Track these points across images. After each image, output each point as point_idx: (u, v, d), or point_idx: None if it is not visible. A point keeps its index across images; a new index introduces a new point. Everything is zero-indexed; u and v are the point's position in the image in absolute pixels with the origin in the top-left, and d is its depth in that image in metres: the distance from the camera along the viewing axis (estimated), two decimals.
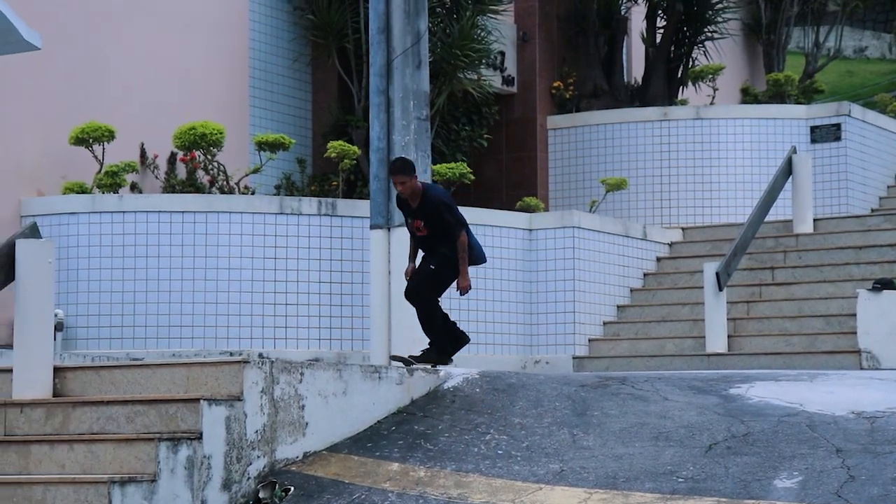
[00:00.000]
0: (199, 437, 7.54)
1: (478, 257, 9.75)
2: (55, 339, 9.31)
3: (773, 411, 8.37)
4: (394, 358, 9.65)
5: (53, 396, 8.17)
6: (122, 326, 11.74)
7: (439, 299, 9.76)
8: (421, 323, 9.66)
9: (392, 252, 11.33)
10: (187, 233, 11.97)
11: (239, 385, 7.82)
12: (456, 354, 9.78)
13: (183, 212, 12.04)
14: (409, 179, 9.43)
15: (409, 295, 9.70)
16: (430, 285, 9.60)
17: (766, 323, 13.00)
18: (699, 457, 7.71)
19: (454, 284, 9.64)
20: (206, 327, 11.83)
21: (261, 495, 7.74)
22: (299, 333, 12.11)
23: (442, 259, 9.56)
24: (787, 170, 14.52)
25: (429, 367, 9.33)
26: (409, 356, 9.64)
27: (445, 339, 9.64)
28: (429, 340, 9.66)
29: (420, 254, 9.83)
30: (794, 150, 14.80)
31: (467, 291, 9.58)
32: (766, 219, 13.97)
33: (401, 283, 10.42)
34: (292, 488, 7.77)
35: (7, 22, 10.55)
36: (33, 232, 8.48)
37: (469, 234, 9.61)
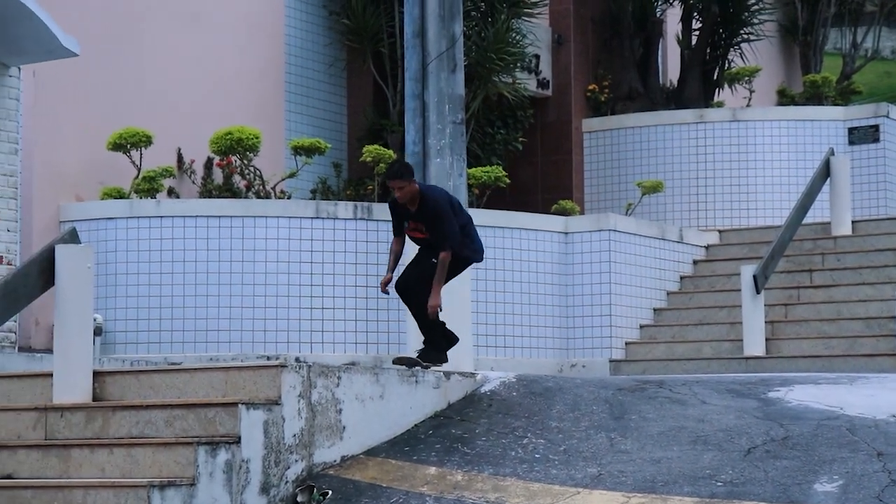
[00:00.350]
0: (238, 441, 7.57)
1: (474, 252, 9.36)
2: (94, 344, 9.35)
3: (812, 415, 8.32)
4: (397, 361, 9.29)
5: (93, 401, 8.22)
6: (160, 331, 11.80)
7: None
8: (417, 320, 9.30)
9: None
10: (224, 237, 12.02)
11: (277, 389, 7.84)
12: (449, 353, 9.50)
13: (220, 216, 12.09)
14: (408, 184, 9.05)
15: (406, 290, 9.24)
16: (430, 282, 9.15)
17: (804, 326, 12.92)
18: (738, 461, 7.67)
19: (428, 299, 9.15)
20: (243, 331, 11.87)
21: (299, 499, 7.76)
22: (336, 337, 12.13)
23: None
24: (825, 172, 14.44)
25: (430, 366, 9.13)
26: (411, 357, 9.36)
27: (442, 338, 9.33)
28: (424, 339, 9.33)
29: (414, 250, 9.47)
30: (832, 152, 14.71)
31: (435, 312, 9.11)
32: (804, 221, 13.90)
33: None
34: (330, 492, 7.79)
35: (46, 29, 10.64)
36: (72, 237, 8.53)
37: (472, 229, 9.29)
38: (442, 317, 10.23)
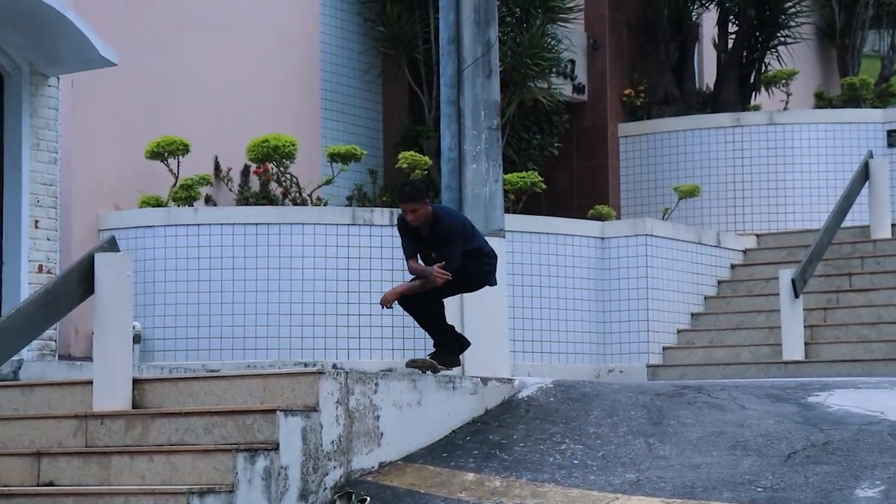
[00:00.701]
0: (276, 447, 7.59)
1: (488, 274, 9.06)
2: (133, 351, 9.41)
3: (853, 419, 8.26)
4: (410, 364, 9.14)
5: (133, 408, 8.27)
6: (199, 338, 11.86)
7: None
8: (427, 324, 9.05)
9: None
10: (261, 244, 12.07)
11: (315, 396, 7.86)
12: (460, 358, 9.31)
13: (256, 224, 12.14)
14: (421, 206, 8.72)
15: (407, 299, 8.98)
16: (442, 287, 8.87)
17: (843, 330, 12.83)
18: (778, 466, 7.63)
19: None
20: (280, 338, 11.91)
21: None
22: (372, 344, 12.15)
23: (461, 268, 8.87)
24: (864, 174, 14.34)
25: (442, 369, 8.96)
26: (425, 360, 9.08)
27: (453, 341, 9.11)
28: (435, 342, 9.11)
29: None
30: (871, 155, 14.61)
31: (387, 303, 8.85)
32: (843, 224, 13.81)
33: (473, 294, 10.37)
34: (368, 498, 7.80)
35: (84, 39, 10.73)
36: (112, 246, 8.59)
37: (489, 250, 9.03)
38: (480, 323, 10.22)
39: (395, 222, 12.41)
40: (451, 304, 11.12)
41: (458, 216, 9.21)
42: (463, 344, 9.23)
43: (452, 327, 9.23)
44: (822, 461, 7.61)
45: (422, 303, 8.94)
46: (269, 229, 12.13)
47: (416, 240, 8.92)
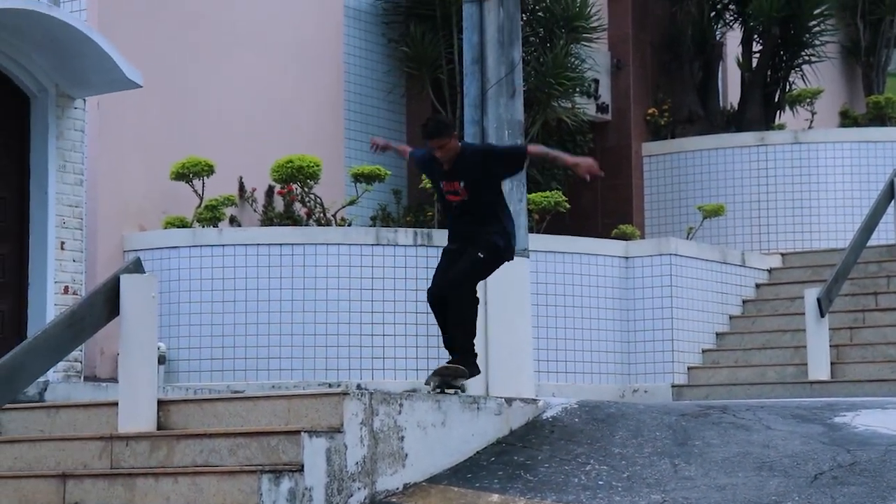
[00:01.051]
0: (301, 468, 7.58)
1: (509, 244, 8.28)
2: (158, 372, 9.43)
3: (880, 440, 8.20)
4: (438, 373, 8.49)
5: (158, 429, 8.28)
6: (223, 359, 11.89)
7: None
8: (451, 326, 8.37)
9: (488, 282, 11.31)
10: (285, 265, 12.10)
11: (339, 417, 7.85)
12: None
13: (281, 244, 12.18)
14: (449, 140, 8.07)
15: (447, 288, 8.27)
16: (473, 277, 8.21)
17: (870, 350, 12.76)
18: (804, 487, 7.58)
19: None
20: (304, 359, 11.93)
21: None
22: (396, 364, 12.15)
23: (490, 245, 8.20)
24: (890, 193, 14.28)
25: (462, 380, 8.43)
26: (441, 368, 8.48)
27: (473, 351, 8.46)
28: (455, 352, 8.40)
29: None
30: None
31: (591, 170, 8.13)
32: (869, 243, 13.74)
33: (497, 314, 10.38)
34: None
35: (110, 60, 10.80)
36: (137, 267, 8.61)
37: (509, 221, 8.30)
38: (505, 343, 10.19)
39: (419, 242, 12.53)
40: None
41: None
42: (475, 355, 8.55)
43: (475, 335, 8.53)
44: (848, 482, 7.56)
45: (466, 290, 8.23)
46: (294, 249, 12.16)
47: (437, 177, 8.31)
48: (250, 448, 7.80)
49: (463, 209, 8.25)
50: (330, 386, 11.33)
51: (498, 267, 8.44)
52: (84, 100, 11.32)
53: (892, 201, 14.29)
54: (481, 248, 8.21)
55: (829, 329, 12.50)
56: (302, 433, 7.66)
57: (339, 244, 12.26)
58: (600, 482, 7.97)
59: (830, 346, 12.48)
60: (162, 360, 11.46)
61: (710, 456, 8.21)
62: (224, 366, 11.86)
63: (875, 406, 9.25)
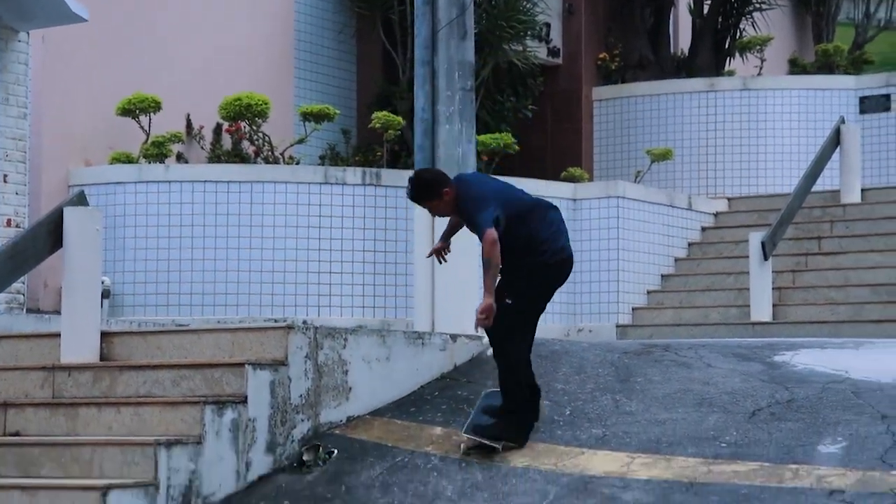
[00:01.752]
0: (244, 400, 7.61)
1: (544, 254, 7.34)
2: (102, 306, 9.39)
3: (817, 378, 8.33)
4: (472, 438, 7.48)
5: (100, 360, 8.27)
6: (168, 293, 11.85)
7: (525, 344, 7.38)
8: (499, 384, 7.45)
9: (436, 222, 11.34)
10: (232, 202, 12.04)
11: (283, 350, 7.87)
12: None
13: (228, 182, 12.12)
14: (438, 202, 7.39)
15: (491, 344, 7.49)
16: (505, 327, 7.26)
17: (811, 292, 12.92)
18: (742, 422, 7.69)
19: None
20: (250, 295, 11.92)
21: (305, 458, 7.81)
22: (343, 302, 12.17)
23: (511, 286, 7.29)
24: (836, 140, 14.40)
25: (486, 444, 7.45)
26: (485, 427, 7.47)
27: (525, 410, 7.43)
28: (501, 405, 7.42)
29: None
30: (843, 121, 14.67)
31: (485, 320, 7.09)
32: (813, 189, 13.87)
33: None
34: (336, 451, 7.83)
35: None
36: (81, 200, 8.56)
37: (538, 221, 7.40)
38: (450, 281, 10.18)
39: (367, 182, 12.53)
40: (420, 265, 11.15)
41: (475, 181, 7.54)
42: (536, 412, 7.55)
43: (538, 392, 7.51)
44: (786, 418, 7.67)
45: (500, 345, 7.32)
46: (241, 187, 12.11)
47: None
48: (194, 380, 7.81)
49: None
50: (275, 322, 11.34)
51: (540, 284, 7.44)
52: (28, 33, 11.16)
53: (838, 148, 14.42)
54: (507, 288, 7.30)
55: (773, 272, 12.64)
56: (246, 365, 7.68)
57: (286, 182, 12.22)
58: (543, 417, 8.04)
59: (773, 288, 12.63)
60: (107, 294, 11.41)
61: (652, 392, 8.31)
62: (170, 301, 11.83)
63: (814, 346, 9.39)
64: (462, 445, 7.51)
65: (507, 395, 7.49)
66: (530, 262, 7.36)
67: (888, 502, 6.50)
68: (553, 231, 7.49)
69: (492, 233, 7.12)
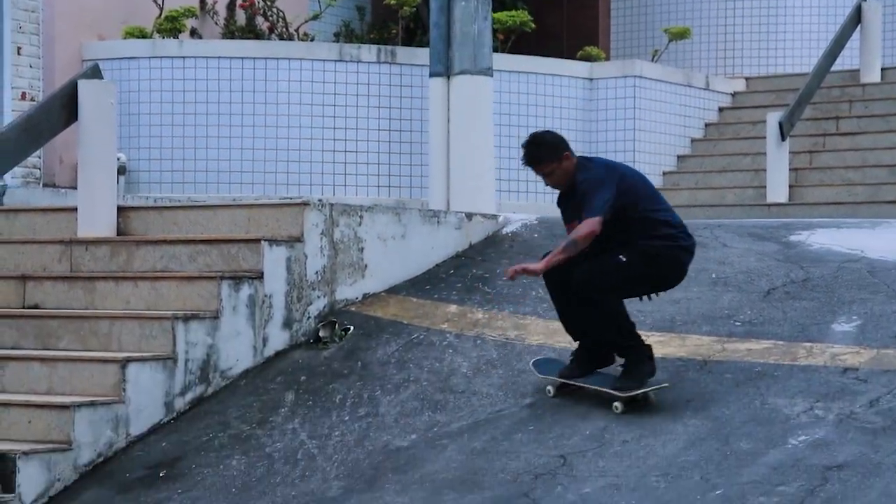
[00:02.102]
0: (260, 276, 7.65)
1: (670, 260, 6.73)
2: (118, 183, 9.39)
3: (833, 257, 8.33)
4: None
5: (117, 235, 8.29)
6: (184, 171, 11.83)
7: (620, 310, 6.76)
8: (582, 326, 6.84)
9: (451, 100, 11.25)
10: (247, 79, 11.96)
11: (299, 227, 7.89)
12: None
13: (242, 58, 12.01)
14: (553, 166, 6.83)
15: (574, 289, 6.72)
16: (610, 283, 6.65)
17: (828, 173, 12.84)
18: (757, 301, 7.71)
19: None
20: (265, 173, 11.89)
21: (321, 334, 7.87)
22: (358, 181, 12.14)
23: (637, 251, 6.65)
24: (856, 18, 14.19)
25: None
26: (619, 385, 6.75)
27: (637, 344, 6.76)
28: (622, 355, 6.79)
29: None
30: None
31: (515, 275, 6.67)
32: (833, 68, 13.70)
33: (460, 132, 10.33)
34: (352, 327, 7.89)
35: None
36: (95, 73, 8.51)
37: (658, 207, 6.91)
38: (466, 160, 10.12)
39: (382, 59, 12.41)
40: (436, 144, 11.08)
41: (604, 168, 6.87)
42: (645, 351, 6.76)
43: (626, 318, 6.80)
44: (800, 297, 7.69)
45: (598, 298, 6.70)
46: (256, 63, 12.00)
47: (564, 208, 6.89)
48: (210, 255, 7.84)
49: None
50: (291, 199, 11.34)
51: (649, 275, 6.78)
52: None
53: (858, 27, 14.22)
54: (625, 251, 6.67)
55: (790, 153, 12.55)
56: (262, 241, 7.71)
57: (301, 59, 12.11)
58: None
59: (790, 169, 12.55)
60: (122, 170, 11.40)
61: None
62: (185, 178, 11.81)
63: (830, 226, 9.37)
64: (616, 405, 6.66)
65: (619, 338, 6.75)
66: (662, 240, 6.77)
67: None
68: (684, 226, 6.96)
69: (596, 223, 6.49)
